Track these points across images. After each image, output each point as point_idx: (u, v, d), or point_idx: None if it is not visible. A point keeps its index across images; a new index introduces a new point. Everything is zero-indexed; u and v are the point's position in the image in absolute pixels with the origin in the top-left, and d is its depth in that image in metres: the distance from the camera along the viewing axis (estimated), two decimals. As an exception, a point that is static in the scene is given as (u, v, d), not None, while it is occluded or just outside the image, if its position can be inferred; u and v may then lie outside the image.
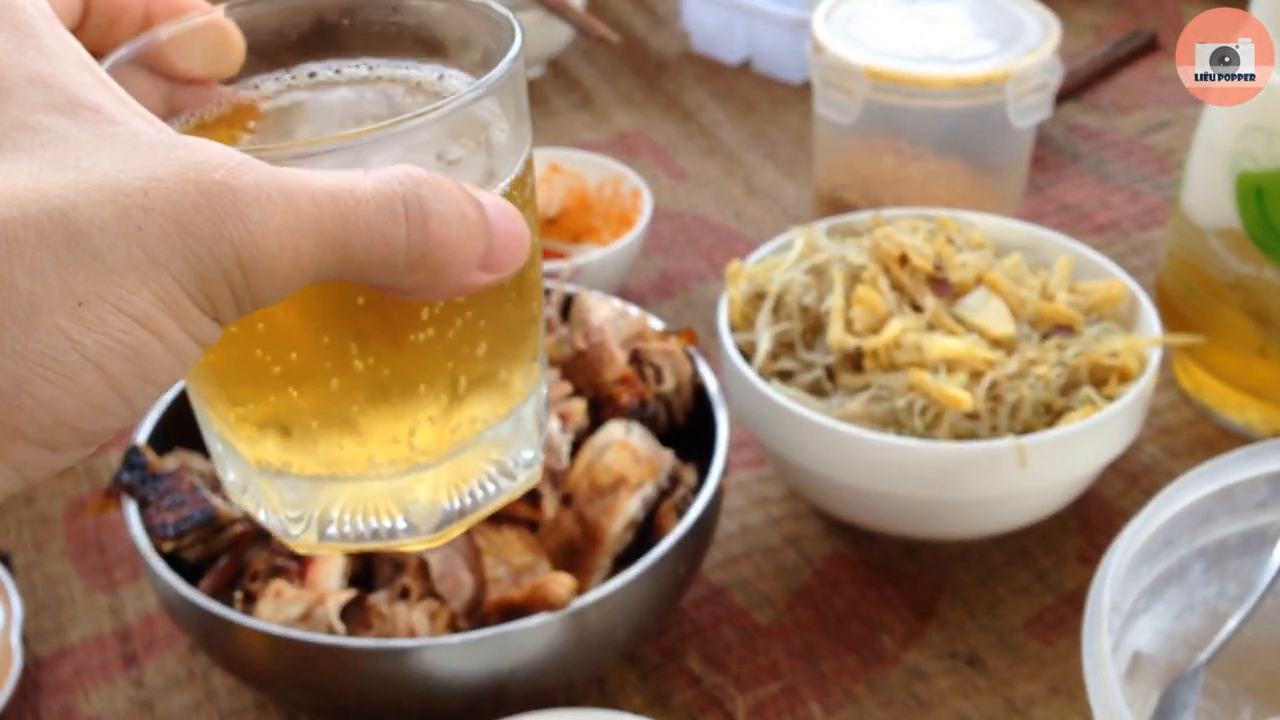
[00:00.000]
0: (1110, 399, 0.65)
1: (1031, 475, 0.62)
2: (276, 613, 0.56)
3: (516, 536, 0.60)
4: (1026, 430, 0.64)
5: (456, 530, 0.36)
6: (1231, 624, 0.54)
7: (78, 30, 0.33)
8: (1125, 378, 0.67)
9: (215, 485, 0.63)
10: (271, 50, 0.37)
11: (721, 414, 0.64)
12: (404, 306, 0.32)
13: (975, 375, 0.65)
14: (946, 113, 0.85)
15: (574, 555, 0.60)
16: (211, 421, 0.36)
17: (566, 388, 0.65)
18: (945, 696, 0.63)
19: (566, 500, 0.61)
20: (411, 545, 0.36)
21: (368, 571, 0.61)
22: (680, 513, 0.61)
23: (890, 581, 0.70)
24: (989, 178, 0.89)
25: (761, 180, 1.06)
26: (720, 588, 0.70)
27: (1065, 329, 0.69)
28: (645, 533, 0.61)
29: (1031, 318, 0.69)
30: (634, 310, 0.70)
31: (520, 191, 0.34)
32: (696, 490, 0.62)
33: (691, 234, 1.00)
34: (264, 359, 0.32)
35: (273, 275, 0.26)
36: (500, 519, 0.60)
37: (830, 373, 0.68)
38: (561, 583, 0.55)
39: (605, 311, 0.68)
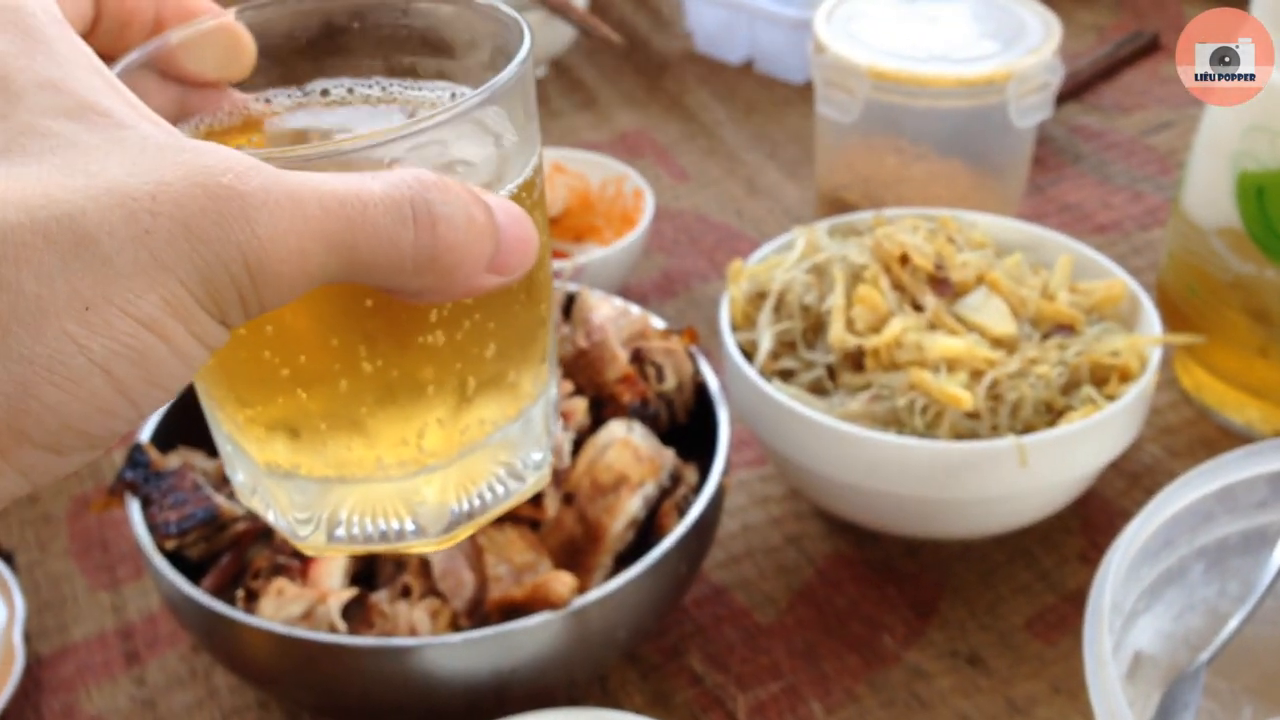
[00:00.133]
0: (1111, 398, 0.65)
1: (1032, 475, 0.62)
2: (278, 611, 0.56)
3: (518, 535, 0.60)
4: (1027, 429, 0.64)
5: (465, 532, 0.36)
6: (1232, 624, 0.54)
7: (88, 35, 0.33)
8: (1126, 377, 0.67)
9: (218, 483, 0.63)
10: (282, 54, 0.37)
11: (723, 413, 0.64)
12: (412, 309, 0.32)
13: (976, 374, 0.65)
14: (948, 113, 0.85)
15: (575, 554, 0.61)
16: (221, 423, 0.36)
17: (568, 386, 0.65)
18: (946, 696, 0.63)
19: (568, 499, 0.61)
20: (420, 547, 0.36)
21: (369, 570, 0.61)
22: (682, 512, 0.61)
23: (891, 581, 0.70)
24: (990, 178, 0.89)
25: (763, 180, 1.06)
26: (721, 587, 0.70)
27: (1066, 328, 0.69)
28: (646, 532, 0.61)
29: (1032, 317, 0.69)
30: (635, 309, 0.70)
31: (529, 194, 0.34)
32: (698, 489, 0.62)
33: (693, 233, 1.00)
34: (273, 361, 0.32)
35: (280, 279, 0.26)
36: (502, 518, 0.60)
37: (831, 372, 0.68)
38: (563, 581, 0.55)
39: (607, 310, 0.69)
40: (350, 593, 0.57)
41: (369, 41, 0.37)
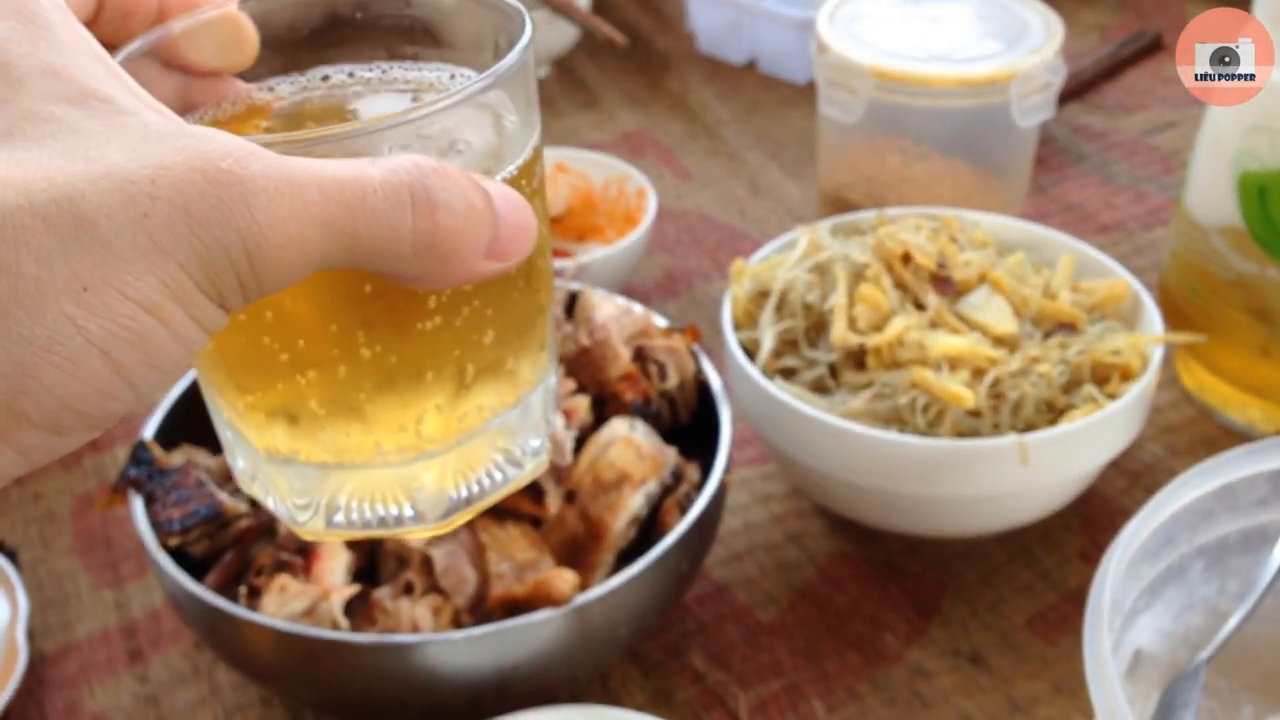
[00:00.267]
0: (1112, 397, 0.65)
1: (1033, 473, 0.63)
2: (281, 608, 0.56)
3: (520, 532, 0.60)
4: (1029, 428, 0.64)
5: (463, 518, 0.36)
6: (1232, 622, 0.54)
7: (91, 23, 0.34)
8: (1127, 376, 0.67)
9: (221, 481, 0.63)
10: (285, 43, 0.37)
11: (725, 411, 0.64)
12: (411, 295, 0.32)
13: (978, 373, 0.65)
14: (951, 112, 0.85)
15: (577, 551, 0.61)
16: (221, 409, 0.36)
17: (571, 384, 0.65)
18: (948, 695, 0.63)
19: (570, 496, 0.61)
20: (418, 532, 0.36)
21: (372, 567, 0.61)
22: (683, 509, 0.61)
23: (893, 579, 0.70)
24: (993, 177, 0.89)
25: (766, 179, 1.06)
26: (723, 585, 0.70)
27: (1068, 327, 0.69)
28: (648, 529, 0.62)
29: (1034, 316, 0.69)
30: (638, 308, 0.70)
31: (529, 181, 0.35)
32: (699, 487, 0.62)
33: (696, 233, 1.00)
34: (272, 347, 0.33)
35: (279, 263, 0.27)
36: (504, 515, 0.61)
37: (833, 370, 0.68)
38: (565, 579, 0.55)
39: (609, 309, 0.69)
40: (353, 589, 0.57)
41: (371, 31, 0.38)
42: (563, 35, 1.18)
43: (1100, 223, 0.98)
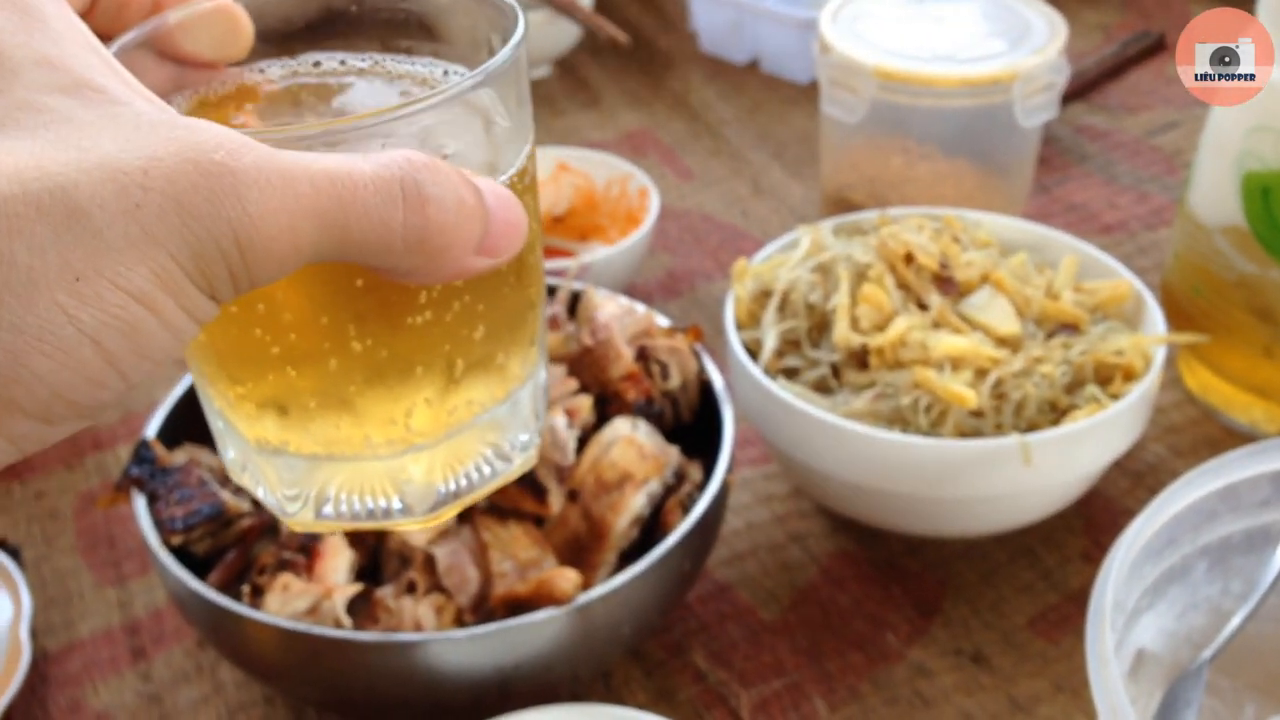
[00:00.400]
0: (1115, 397, 0.65)
1: (1036, 473, 0.63)
2: (284, 606, 0.56)
3: (522, 531, 0.60)
4: (1031, 428, 0.64)
5: (451, 511, 0.36)
6: (1235, 622, 0.54)
7: (87, 14, 0.34)
8: (1130, 376, 0.67)
9: (224, 480, 0.63)
10: (279, 35, 0.37)
11: (727, 411, 0.64)
12: (402, 289, 0.32)
13: (980, 373, 0.65)
14: (953, 112, 0.85)
15: (580, 551, 0.61)
16: (212, 399, 0.36)
17: (573, 384, 0.65)
18: (949, 694, 0.63)
19: (572, 496, 0.61)
20: (407, 525, 0.36)
21: (375, 566, 0.62)
22: (686, 509, 0.61)
23: (895, 579, 0.70)
24: (996, 177, 0.89)
25: (768, 179, 1.06)
26: (725, 584, 0.70)
27: (1070, 328, 0.69)
28: (651, 529, 0.62)
29: (1037, 316, 0.69)
30: (640, 308, 0.70)
31: (520, 179, 0.35)
32: (702, 487, 0.62)
33: (698, 233, 1.00)
34: (263, 339, 0.33)
35: (270, 255, 0.27)
36: (507, 514, 0.61)
37: (835, 370, 0.68)
38: (567, 578, 0.55)
39: (612, 309, 0.69)
40: (355, 588, 0.57)
41: (366, 25, 0.38)
42: (565, 35, 1.18)
43: (1103, 223, 0.98)
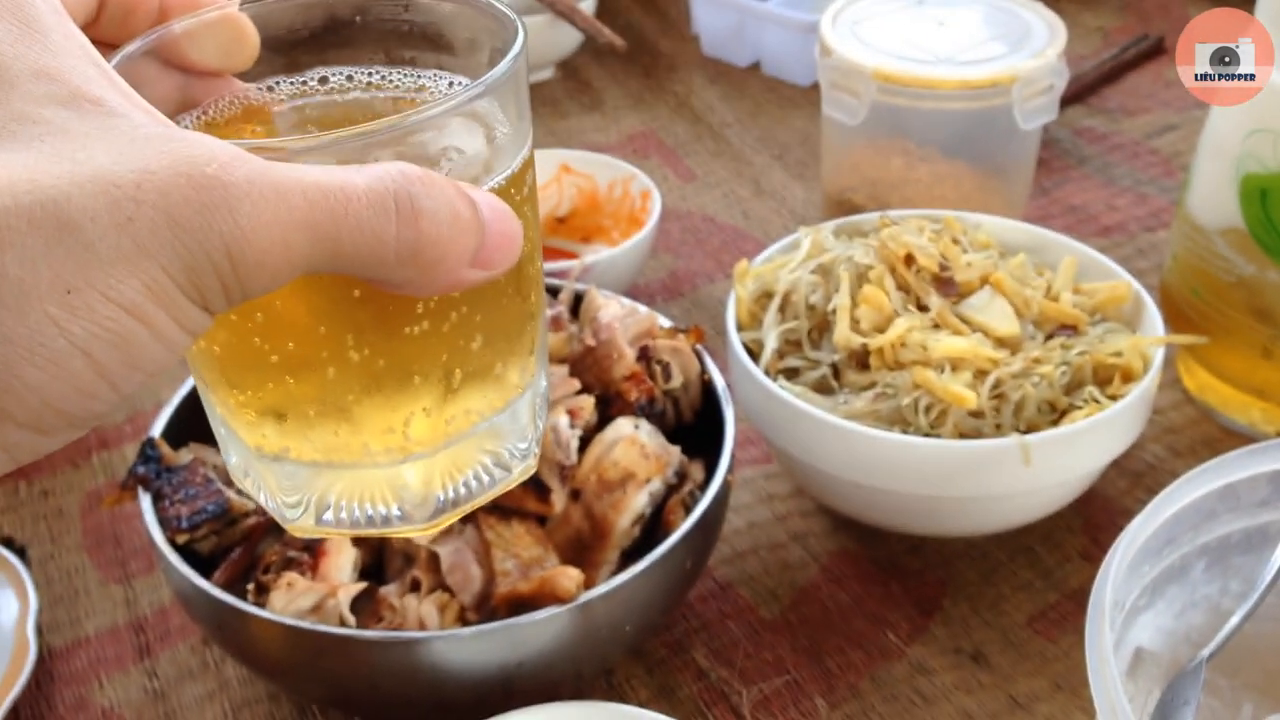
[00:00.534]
0: (1114, 398, 0.66)
1: (1035, 473, 0.63)
2: (288, 604, 0.57)
3: (525, 530, 0.60)
4: (1030, 429, 0.65)
5: (450, 518, 0.37)
6: (1233, 621, 0.54)
7: (93, 23, 0.34)
8: (1129, 377, 0.67)
9: (229, 479, 0.64)
10: (284, 44, 0.38)
11: (728, 411, 0.65)
12: (400, 300, 0.32)
13: (980, 374, 0.65)
14: (953, 115, 0.86)
15: (582, 549, 0.61)
16: (214, 405, 0.36)
17: (576, 384, 0.65)
18: (949, 692, 0.64)
19: (575, 495, 0.62)
20: (406, 532, 0.37)
21: (379, 564, 0.62)
22: (687, 508, 0.61)
23: (895, 578, 0.70)
24: (995, 180, 0.90)
25: (769, 181, 1.07)
26: (726, 583, 0.70)
27: (1070, 329, 0.70)
28: (652, 528, 0.62)
29: (1036, 317, 0.69)
30: (643, 308, 0.70)
31: (518, 190, 0.35)
32: (703, 486, 0.63)
33: (700, 234, 1.00)
34: (262, 348, 0.33)
35: (262, 268, 0.27)
36: (509, 513, 0.61)
37: (836, 371, 0.69)
38: (569, 576, 0.56)
39: (614, 309, 0.69)
40: (359, 586, 0.58)
41: (370, 35, 0.38)
42: (567, 37, 1.18)
43: (1102, 225, 0.98)
